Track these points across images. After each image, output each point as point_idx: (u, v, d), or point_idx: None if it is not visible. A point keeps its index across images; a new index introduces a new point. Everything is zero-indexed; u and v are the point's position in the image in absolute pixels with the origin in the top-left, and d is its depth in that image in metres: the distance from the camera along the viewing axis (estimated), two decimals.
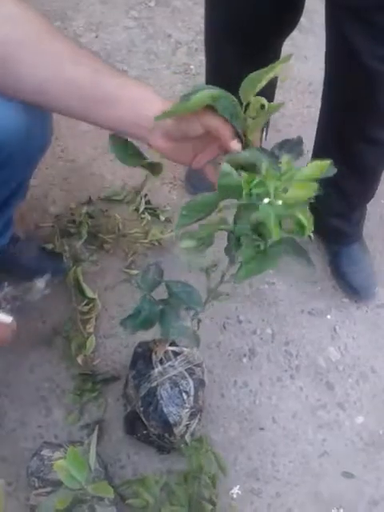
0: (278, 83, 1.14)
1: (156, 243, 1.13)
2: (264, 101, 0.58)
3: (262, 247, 0.63)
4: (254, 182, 0.59)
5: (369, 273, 1.17)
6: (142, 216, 1.15)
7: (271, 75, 0.58)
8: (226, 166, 0.62)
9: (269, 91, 1.11)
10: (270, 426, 1.03)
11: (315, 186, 0.55)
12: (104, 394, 1.01)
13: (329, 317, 1.15)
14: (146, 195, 1.21)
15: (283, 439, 1.02)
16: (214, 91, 0.60)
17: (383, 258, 1.22)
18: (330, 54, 0.90)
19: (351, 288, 1.16)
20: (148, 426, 0.89)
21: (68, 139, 1.32)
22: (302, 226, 0.60)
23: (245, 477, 0.98)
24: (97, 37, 1.51)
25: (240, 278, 0.67)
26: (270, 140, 0.68)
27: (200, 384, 0.92)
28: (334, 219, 1.12)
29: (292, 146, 0.60)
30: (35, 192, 1.21)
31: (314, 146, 1.08)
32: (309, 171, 0.57)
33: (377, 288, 1.17)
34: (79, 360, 1.01)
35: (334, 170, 0.61)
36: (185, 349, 0.92)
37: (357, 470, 1.00)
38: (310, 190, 0.57)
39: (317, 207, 0.86)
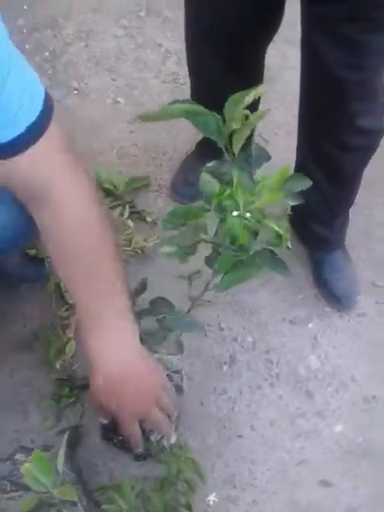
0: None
1: (139, 251, 1.14)
2: (247, 112, 0.59)
3: (241, 258, 0.64)
4: (224, 194, 0.60)
5: (351, 281, 1.18)
6: (127, 223, 1.16)
7: (252, 98, 0.59)
8: (205, 175, 0.64)
9: (254, 101, 1.13)
10: (249, 434, 1.03)
11: (281, 194, 0.56)
12: (81, 400, 1.01)
13: (310, 325, 1.15)
14: (130, 201, 1.22)
15: (261, 447, 1.02)
16: (190, 106, 0.61)
17: (365, 267, 1.23)
18: (302, 64, 0.94)
19: (333, 296, 1.16)
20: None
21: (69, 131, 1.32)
22: (278, 237, 0.61)
23: (222, 484, 0.97)
24: (86, 45, 1.52)
25: (222, 288, 0.68)
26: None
27: (178, 390, 0.92)
28: (316, 226, 1.13)
29: (257, 154, 0.61)
30: None
31: (296, 155, 1.09)
32: (275, 178, 0.59)
33: (359, 296, 1.18)
34: (57, 365, 1.01)
35: (307, 183, 0.62)
36: (164, 356, 0.93)
37: (334, 478, 1.00)
38: (277, 198, 0.58)
39: (299, 214, 0.88)
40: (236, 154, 0.61)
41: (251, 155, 0.62)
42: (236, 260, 0.61)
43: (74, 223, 0.67)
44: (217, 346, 1.11)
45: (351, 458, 1.02)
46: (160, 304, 0.78)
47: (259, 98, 1.15)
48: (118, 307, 0.69)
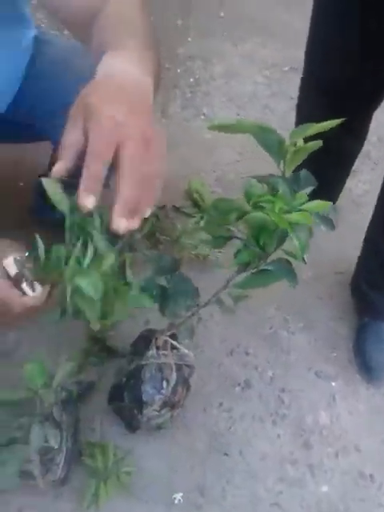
0: None
1: (201, 258, 1.24)
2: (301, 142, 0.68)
3: (260, 255, 0.72)
4: (265, 196, 0.69)
5: None
6: (201, 233, 1.27)
7: (315, 131, 0.67)
8: (251, 180, 0.73)
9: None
10: (235, 457, 1.05)
11: (311, 218, 0.64)
12: (105, 364, 1.12)
13: (333, 384, 1.16)
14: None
15: (242, 474, 1.03)
16: (261, 124, 0.71)
17: None
18: None
19: (366, 365, 1.16)
20: (125, 397, 0.98)
21: (168, 159, 1.50)
22: (296, 249, 0.68)
23: (193, 488, 1.01)
24: (227, 83, 1.71)
25: (238, 286, 0.76)
26: None
27: (183, 382, 0.99)
28: (369, 290, 1.15)
29: (305, 179, 0.69)
30: None
31: (369, 224, 1.13)
32: (312, 205, 0.66)
33: None
34: (98, 324, 1.12)
35: (335, 214, 0.69)
36: (183, 348, 1.01)
37: None
38: (308, 219, 0.66)
39: (356, 274, 0.90)
40: (286, 174, 0.70)
41: (300, 179, 0.70)
42: (254, 257, 0.69)
43: None
44: (237, 366, 1.15)
45: None
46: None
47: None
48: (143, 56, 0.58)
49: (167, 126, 1.59)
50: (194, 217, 1.31)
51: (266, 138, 0.70)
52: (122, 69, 0.56)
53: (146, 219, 1.36)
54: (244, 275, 0.77)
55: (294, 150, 0.68)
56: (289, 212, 0.66)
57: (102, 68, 0.57)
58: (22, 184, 1.33)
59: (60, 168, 0.52)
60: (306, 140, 0.66)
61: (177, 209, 1.34)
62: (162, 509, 0.98)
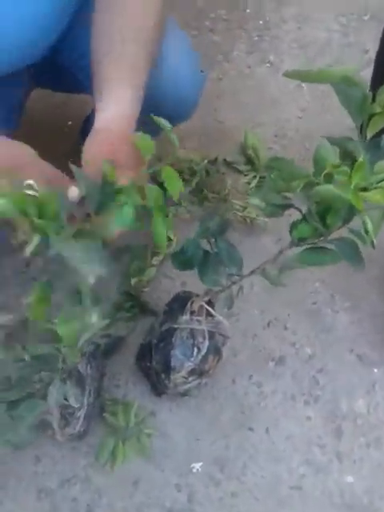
0: None
1: (248, 221, 1.15)
2: None
3: (320, 232, 0.63)
4: (341, 167, 0.59)
5: None
6: (249, 192, 1.18)
7: None
8: (325, 142, 0.63)
9: None
10: (261, 434, 1.00)
11: None
12: (136, 320, 1.07)
13: (376, 370, 1.07)
14: (264, 177, 1.23)
15: (266, 452, 0.99)
16: (347, 74, 0.60)
17: None
18: None
19: None
20: (152, 359, 0.94)
21: (224, 108, 1.38)
22: (366, 231, 0.59)
23: (212, 461, 0.97)
24: (299, 28, 1.55)
25: (297, 260, 0.67)
26: None
27: (215, 351, 0.93)
28: None
29: None
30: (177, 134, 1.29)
31: None
32: None
33: None
34: (132, 281, 1.07)
35: None
36: (218, 316, 0.94)
37: None
38: None
39: None
40: (367, 138, 0.59)
41: (380, 147, 0.60)
42: (314, 232, 0.60)
43: None
44: (274, 340, 1.09)
45: None
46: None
47: None
48: (133, 83, 0.68)
49: (228, 71, 1.46)
50: (246, 175, 1.21)
51: (349, 93, 0.60)
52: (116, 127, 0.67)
53: (194, 172, 1.28)
54: (297, 249, 0.69)
55: (381, 111, 0.57)
56: (365, 189, 0.56)
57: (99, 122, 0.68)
58: (70, 123, 1.26)
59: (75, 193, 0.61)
60: None
61: (228, 164, 1.24)
62: (178, 476, 0.95)
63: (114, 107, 0.68)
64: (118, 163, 0.62)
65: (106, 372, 1.01)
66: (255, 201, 0.67)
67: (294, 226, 0.63)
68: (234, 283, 0.80)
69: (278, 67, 1.47)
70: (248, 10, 1.58)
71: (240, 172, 1.23)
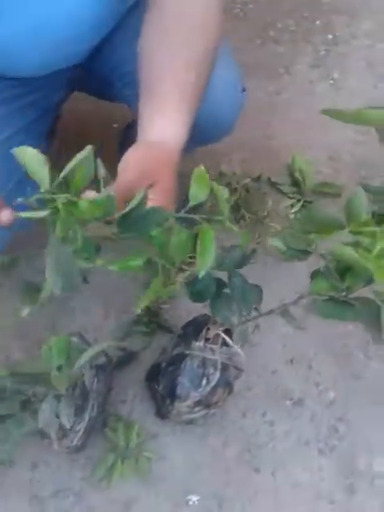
0: None
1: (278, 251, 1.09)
2: None
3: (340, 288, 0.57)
4: (367, 228, 0.53)
5: None
6: (289, 216, 1.11)
7: None
8: (359, 190, 0.57)
9: None
10: (266, 476, 0.94)
11: None
12: (152, 336, 1.04)
13: None
14: (310, 202, 1.16)
15: (268, 498, 0.92)
16: None
17: None
18: None
19: None
20: (159, 382, 0.90)
21: (277, 123, 1.32)
22: None
23: (210, 495, 0.91)
24: (370, 46, 1.46)
25: (315, 312, 0.62)
26: None
27: (225, 384, 0.88)
28: None
29: None
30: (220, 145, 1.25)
31: None
32: None
33: None
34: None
35: None
36: (235, 346, 0.89)
37: None
38: None
39: None
40: None
41: None
42: (333, 289, 0.54)
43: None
44: (295, 379, 1.02)
45: None
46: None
47: None
48: (187, 108, 0.66)
49: (287, 85, 1.40)
50: (290, 198, 1.15)
51: None
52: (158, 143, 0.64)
53: (234, 189, 1.23)
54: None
55: None
56: None
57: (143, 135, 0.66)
58: (115, 125, 1.24)
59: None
60: None
61: (272, 183, 1.18)
62: (173, 506, 0.91)
63: (164, 128, 0.65)
64: (152, 181, 0.60)
65: (114, 386, 0.98)
66: (277, 243, 0.62)
67: (312, 277, 0.57)
68: (249, 320, 0.75)
69: (341, 85, 1.39)
70: (317, 22, 1.51)
71: (283, 194, 1.17)
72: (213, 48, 0.66)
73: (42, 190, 0.45)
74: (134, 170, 0.59)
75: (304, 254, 0.59)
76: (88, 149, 0.47)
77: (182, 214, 0.56)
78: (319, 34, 1.48)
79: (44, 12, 0.68)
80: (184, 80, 0.64)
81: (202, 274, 0.54)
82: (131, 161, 0.61)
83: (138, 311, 0.91)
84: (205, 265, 0.55)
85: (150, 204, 0.55)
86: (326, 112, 0.56)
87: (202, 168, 0.55)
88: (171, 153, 0.63)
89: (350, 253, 0.47)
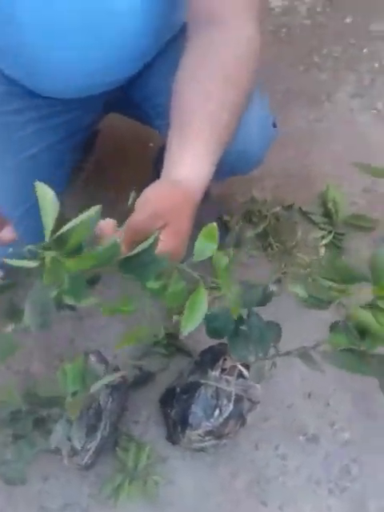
0: None
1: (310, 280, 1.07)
2: None
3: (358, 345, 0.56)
4: None
5: None
6: (320, 249, 1.10)
7: None
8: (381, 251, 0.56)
9: None
10: (274, 510, 0.93)
11: None
12: (170, 359, 1.04)
13: None
14: (341, 234, 1.14)
15: None
16: None
17: None
18: None
19: None
20: (173, 407, 0.90)
21: (315, 152, 1.30)
22: None
23: None
24: None
25: (330, 362, 0.61)
26: None
27: (238, 416, 0.88)
28: None
29: None
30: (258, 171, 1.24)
31: None
32: None
33: None
34: (174, 317, 1.04)
35: None
36: (251, 381, 0.89)
37: None
38: None
39: None
40: None
41: None
42: (351, 344, 0.53)
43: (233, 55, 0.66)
44: (311, 414, 1.00)
45: None
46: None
47: None
48: (216, 149, 0.65)
49: (328, 113, 1.38)
50: (321, 229, 1.13)
51: None
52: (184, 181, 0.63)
53: (264, 216, 1.22)
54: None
55: None
56: None
57: (168, 170, 0.64)
58: (151, 144, 1.26)
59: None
60: None
61: (304, 213, 1.17)
62: None
63: (191, 166, 0.63)
64: (166, 222, 0.58)
65: (129, 405, 0.99)
66: (299, 290, 0.61)
67: (331, 329, 0.57)
68: (266, 359, 0.74)
69: None
70: (365, 50, 1.48)
71: (314, 224, 1.16)
72: (249, 89, 0.66)
73: (46, 238, 0.45)
74: (150, 209, 0.58)
75: (325, 303, 0.58)
76: (96, 209, 0.46)
77: (184, 265, 0.56)
78: (366, 61, 1.45)
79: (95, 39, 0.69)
80: (217, 120, 0.64)
81: (185, 333, 0.54)
82: (152, 198, 0.59)
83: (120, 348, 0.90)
84: (190, 325, 0.54)
85: (159, 246, 0.55)
86: (356, 164, 0.55)
87: (214, 224, 0.55)
88: (194, 192, 0.63)
89: (367, 317, 0.46)
